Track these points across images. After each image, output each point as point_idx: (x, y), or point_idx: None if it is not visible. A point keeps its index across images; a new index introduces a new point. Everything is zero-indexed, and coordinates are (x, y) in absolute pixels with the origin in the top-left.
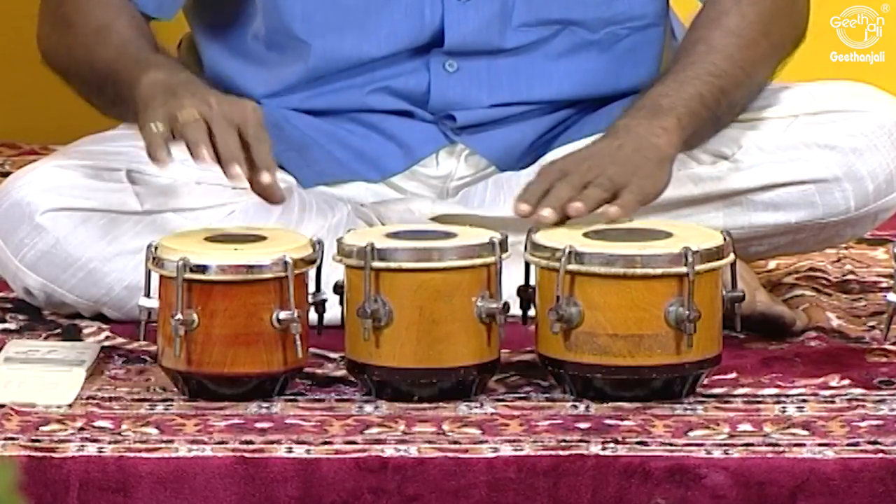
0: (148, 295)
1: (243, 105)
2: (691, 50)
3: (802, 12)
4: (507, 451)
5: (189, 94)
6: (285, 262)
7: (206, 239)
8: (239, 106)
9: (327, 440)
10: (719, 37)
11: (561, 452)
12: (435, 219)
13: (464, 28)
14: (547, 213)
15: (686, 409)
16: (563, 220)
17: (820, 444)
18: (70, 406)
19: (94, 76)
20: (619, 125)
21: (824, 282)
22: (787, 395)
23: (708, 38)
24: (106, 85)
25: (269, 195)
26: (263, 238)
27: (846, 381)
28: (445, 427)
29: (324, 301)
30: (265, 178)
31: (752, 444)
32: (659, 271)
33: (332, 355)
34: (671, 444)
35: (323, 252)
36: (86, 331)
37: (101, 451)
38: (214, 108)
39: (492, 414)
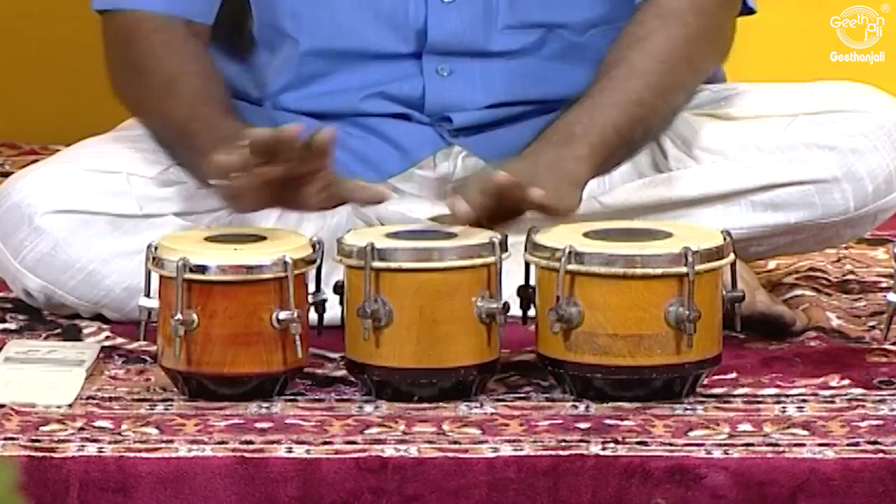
0: (148, 295)
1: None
2: (611, 72)
3: (727, 38)
4: (507, 451)
5: None
6: (285, 262)
7: (206, 239)
8: None
9: (327, 440)
10: (642, 61)
11: (561, 452)
12: (434, 219)
13: (446, 27)
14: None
15: (686, 409)
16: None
17: (820, 444)
18: (70, 406)
19: (166, 132)
20: (529, 151)
21: (824, 282)
22: (787, 395)
23: (630, 59)
24: (178, 145)
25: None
26: (263, 238)
27: (846, 381)
28: (445, 427)
29: (324, 301)
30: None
31: (752, 444)
32: (659, 271)
33: (332, 355)
34: (671, 444)
35: (323, 252)
36: (86, 331)
37: (101, 451)
38: None
39: (492, 414)
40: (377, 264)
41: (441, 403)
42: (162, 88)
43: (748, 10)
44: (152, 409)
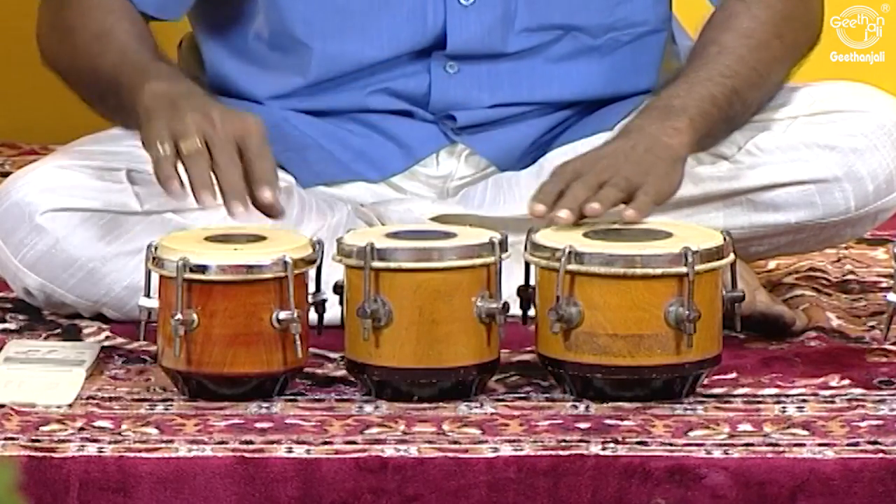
0: (148, 295)
1: (244, 119)
2: (702, 52)
3: (815, 15)
4: (507, 451)
5: (190, 107)
6: (285, 262)
7: (206, 239)
8: (240, 120)
9: (327, 440)
10: (730, 38)
11: (561, 452)
12: (435, 219)
13: (466, 32)
14: (564, 213)
15: (686, 409)
16: (579, 219)
17: (820, 444)
18: (70, 406)
19: (96, 83)
20: (631, 125)
21: (824, 282)
22: (787, 395)
23: (719, 39)
24: (108, 93)
25: (269, 211)
26: (263, 238)
27: (846, 381)
28: (445, 427)
29: (324, 301)
30: (265, 194)
31: (752, 444)
32: (659, 271)
33: (332, 355)
34: (671, 444)
35: (323, 252)
36: (86, 331)
37: (101, 451)
38: (217, 125)
39: (492, 414)
40: (377, 264)
41: (441, 403)
42: (92, 42)
43: None
44: (152, 409)
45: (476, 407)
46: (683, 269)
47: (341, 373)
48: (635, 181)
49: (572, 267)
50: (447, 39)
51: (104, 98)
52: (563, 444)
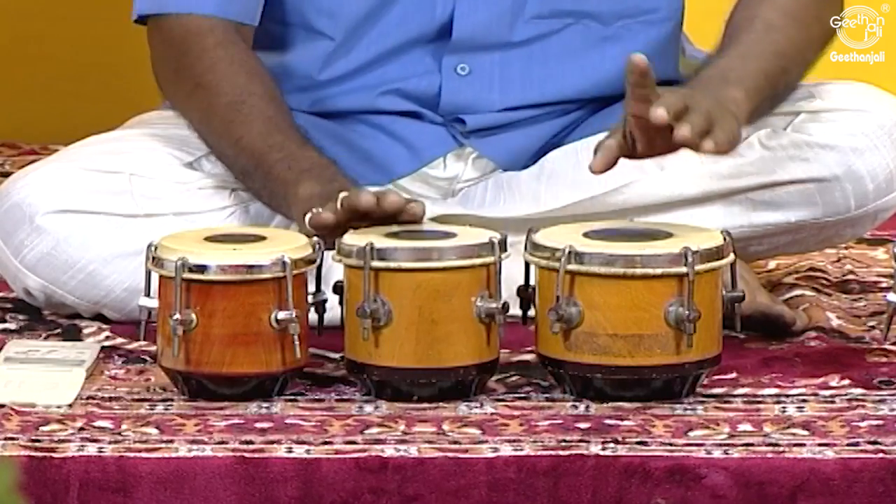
0: (148, 294)
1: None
2: (749, 26)
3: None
4: (507, 451)
5: None
6: (284, 263)
7: (206, 239)
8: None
9: (327, 440)
10: (777, 17)
11: (561, 452)
12: (435, 219)
13: (473, 19)
14: (660, 111)
15: (686, 409)
16: (675, 119)
17: (820, 444)
18: (70, 406)
19: (238, 157)
20: (691, 86)
21: (824, 282)
22: (787, 395)
23: (766, 16)
24: (254, 173)
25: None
26: (263, 238)
27: (846, 381)
28: (445, 427)
29: (324, 301)
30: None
31: (752, 444)
32: (659, 271)
33: (332, 355)
34: (671, 444)
35: (323, 252)
36: (86, 331)
37: (101, 451)
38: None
39: (492, 414)
40: (376, 264)
41: (441, 403)
42: (228, 110)
43: None
44: (152, 409)
45: (476, 407)
46: (683, 269)
47: (341, 373)
48: (713, 116)
49: (572, 267)
50: (453, 26)
51: (247, 174)
52: (563, 444)
